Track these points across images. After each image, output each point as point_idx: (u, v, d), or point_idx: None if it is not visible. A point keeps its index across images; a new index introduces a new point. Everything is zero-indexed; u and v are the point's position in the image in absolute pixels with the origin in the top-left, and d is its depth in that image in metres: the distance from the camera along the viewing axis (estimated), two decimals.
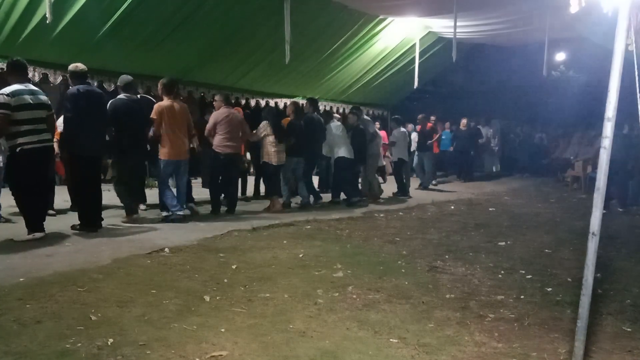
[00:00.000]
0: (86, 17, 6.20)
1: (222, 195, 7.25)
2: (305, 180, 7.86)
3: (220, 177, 7.05)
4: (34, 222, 4.95)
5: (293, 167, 7.63)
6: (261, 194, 8.51)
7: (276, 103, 10.44)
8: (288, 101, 10.63)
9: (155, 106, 6.07)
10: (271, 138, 7.18)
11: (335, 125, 8.30)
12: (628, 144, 8.89)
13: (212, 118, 6.95)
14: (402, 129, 9.86)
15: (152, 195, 7.05)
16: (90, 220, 5.47)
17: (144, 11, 6.61)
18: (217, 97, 7.23)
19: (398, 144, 9.69)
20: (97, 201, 5.61)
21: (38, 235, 4.93)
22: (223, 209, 7.03)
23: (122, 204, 6.21)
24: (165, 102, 6.10)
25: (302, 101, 9.74)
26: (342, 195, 8.31)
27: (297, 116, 7.71)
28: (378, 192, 8.90)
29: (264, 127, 7.22)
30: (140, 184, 6.52)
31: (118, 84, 6.05)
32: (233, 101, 8.85)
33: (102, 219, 5.68)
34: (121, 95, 5.94)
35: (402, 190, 9.68)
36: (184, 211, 6.34)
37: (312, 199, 7.87)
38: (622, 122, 8.71)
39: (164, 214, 6.15)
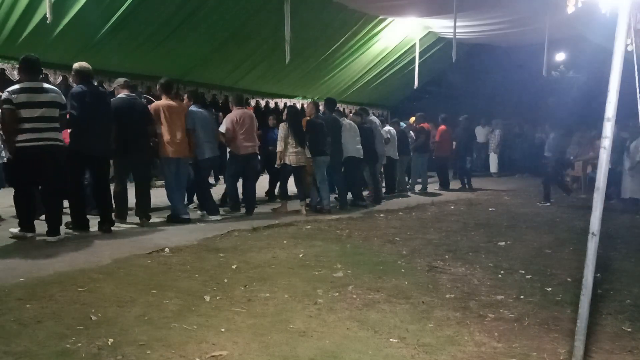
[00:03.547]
0: (86, 17, 6.19)
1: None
2: (328, 180, 7.68)
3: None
4: (24, 221, 4.95)
5: (320, 166, 7.43)
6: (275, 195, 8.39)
7: (285, 104, 10.41)
8: (288, 101, 10.67)
9: (152, 105, 6.19)
10: (290, 140, 7.03)
11: (346, 124, 8.10)
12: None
13: (229, 120, 6.90)
14: (388, 127, 9.76)
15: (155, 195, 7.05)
16: (82, 220, 5.45)
17: (144, 11, 6.61)
18: (230, 99, 7.31)
19: (391, 143, 9.64)
20: (107, 201, 5.62)
21: (28, 235, 4.92)
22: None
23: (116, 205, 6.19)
24: (163, 101, 6.20)
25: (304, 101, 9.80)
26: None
27: (317, 116, 7.61)
28: (381, 192, 9.00)
29: (283, 129, 7.06)
30: (146, 185, 6.43)
31: (115, 85, 6.08)
32: None
33: (113, 223, 5.65)
34: (121, 94, 5.93)
35: (389, 189, 9.78)
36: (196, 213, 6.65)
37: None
38: (623, 124, 8.78)
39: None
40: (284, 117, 7.41)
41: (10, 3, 5.70)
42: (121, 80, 6.14)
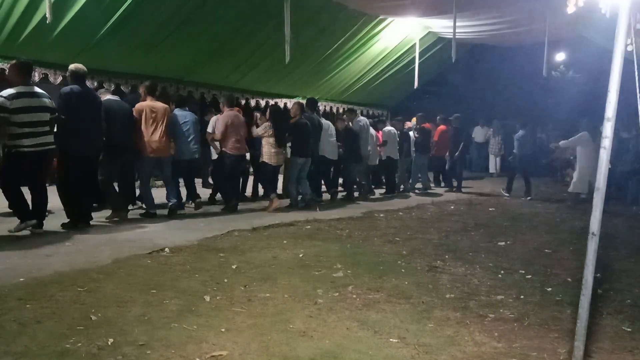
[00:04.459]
0: (86, 18, 6.21)
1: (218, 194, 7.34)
2: (309, 178, 7.80)
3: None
4: (22, 212, 5.02)
5: (300, 168, 7.54)
6: (259, 195, 8.51)
7: (285, 104, 10.41)
8: (289, 101, 10.67)
9: (137, 105, 6.30)
10: (271, 140, 7.16)
11: (324, 124, 8.22)
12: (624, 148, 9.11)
13: (222, 121, 6.96)
14: (389, 127, 9.79)
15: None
16: (79, 219, 5.48)
17: (144, 11, 6.61)
18: (221, 100, 7.42)
19: (389, 143, 9.66)
20: (88, 200, 5.73)
21: (30, 223, 5.00)
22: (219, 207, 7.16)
23: (110, 203, 6.27)
24: (147, 102, 6.31)
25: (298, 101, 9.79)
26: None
27: (302, 116, 7.66)
28: (367, 191, 9.22)
29: (266, 128, 7.19)
30: (131, 184, 6.57)
31: (99, 93, 6.14)
32: None
33: (92, 218, 5.73)
34: (109, 96, 6.04)
35: (389, 189, 9.83)
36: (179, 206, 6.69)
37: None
38: (623, 124, 8.83)
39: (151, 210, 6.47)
40: (267, 116, 7.45)
41: (10, 3, 5.71)
42: (102, 90, 6.38)
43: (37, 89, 5.06)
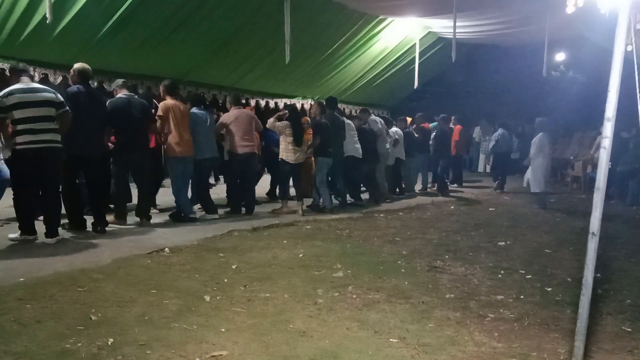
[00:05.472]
0: (86, 17, 6.19)
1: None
2: (328, 182, 7.69)
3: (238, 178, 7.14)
4: (25, 224, 4.89)
5: (322, 168, 7.43)
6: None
7: (285, 104, 10.41)
8: (288, 101, 10.66)
9: (161, 104, 6.23)
10: (289, 138, 7.04)
11: (346, 123, 8.09)
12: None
13: (221, 120, 7.01)
14: (395, 128, 9.78)
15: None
16: (79, 220, 5.43)
17: (145, 11, 6.60)
18: (227, 99, 7.47)
19: (400, 143, 9.65)
20: (100, 201, 5.61)
21: (29, 237, 4.87)
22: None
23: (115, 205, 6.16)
24: (171, 101, 6.25)
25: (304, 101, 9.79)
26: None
27: (322, 116, 7.59)
28: (385, 192, 9.05)
29: (284, 127, 7.07)
30: (147, 184, 6.41)
31: (114, 86, 6.11)
32: None
33: (107, 223, 5.60)
34: (120, 95, 5.91)
35: (398, 190, 9.80)
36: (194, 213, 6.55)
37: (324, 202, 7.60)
38: (623, 124, 8.82)
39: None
40: (286, 115, 7.31)
41: (10, 3, 5.69)
42: (120, 81, 6.19)
43: (36, 84, 4.96)
